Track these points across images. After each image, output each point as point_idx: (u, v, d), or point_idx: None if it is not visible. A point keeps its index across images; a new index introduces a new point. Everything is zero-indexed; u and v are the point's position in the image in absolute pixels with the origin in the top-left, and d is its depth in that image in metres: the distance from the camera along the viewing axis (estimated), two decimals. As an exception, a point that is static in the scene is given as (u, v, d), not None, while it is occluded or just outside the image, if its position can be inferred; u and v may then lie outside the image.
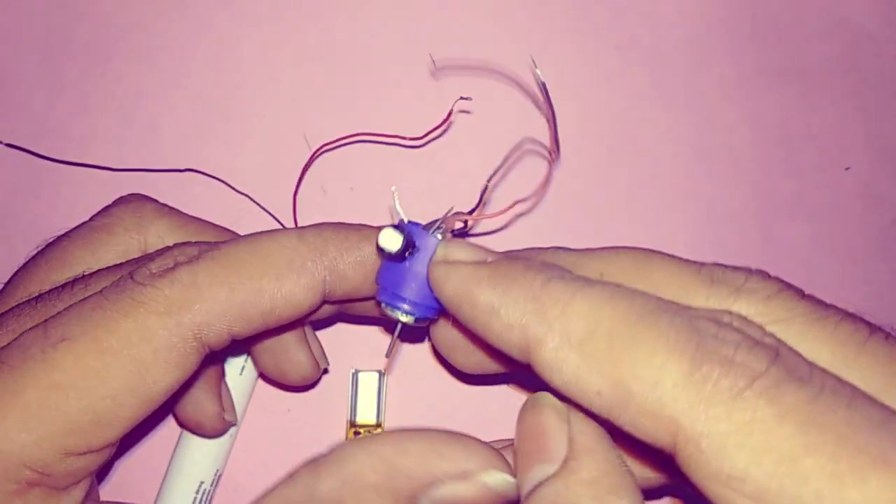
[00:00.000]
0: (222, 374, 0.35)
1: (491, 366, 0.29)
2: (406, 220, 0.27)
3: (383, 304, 0.27)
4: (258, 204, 0.40)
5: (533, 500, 0.22)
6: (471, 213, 0.28)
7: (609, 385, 0.20)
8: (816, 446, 0.18)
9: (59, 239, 0.31)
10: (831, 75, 0.43)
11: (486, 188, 0.29)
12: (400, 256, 0.26)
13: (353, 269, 0.28)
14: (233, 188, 0.40)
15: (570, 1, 0.43)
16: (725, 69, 0.43)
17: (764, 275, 0.25)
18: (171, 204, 0.40)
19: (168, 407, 0.33)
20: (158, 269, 0.26)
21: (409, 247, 0.26)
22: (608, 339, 0.20)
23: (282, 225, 0.40)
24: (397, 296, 0.27)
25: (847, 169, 0.42)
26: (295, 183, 0.40)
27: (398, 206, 0.27)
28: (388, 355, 0.29)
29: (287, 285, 0.27)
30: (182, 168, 0.41)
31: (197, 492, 0.36)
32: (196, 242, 0.28)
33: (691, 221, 0.42)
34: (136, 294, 0.25)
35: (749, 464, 0.18)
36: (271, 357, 0.32)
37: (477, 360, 0.29)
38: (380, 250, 0.26)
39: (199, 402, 0.33)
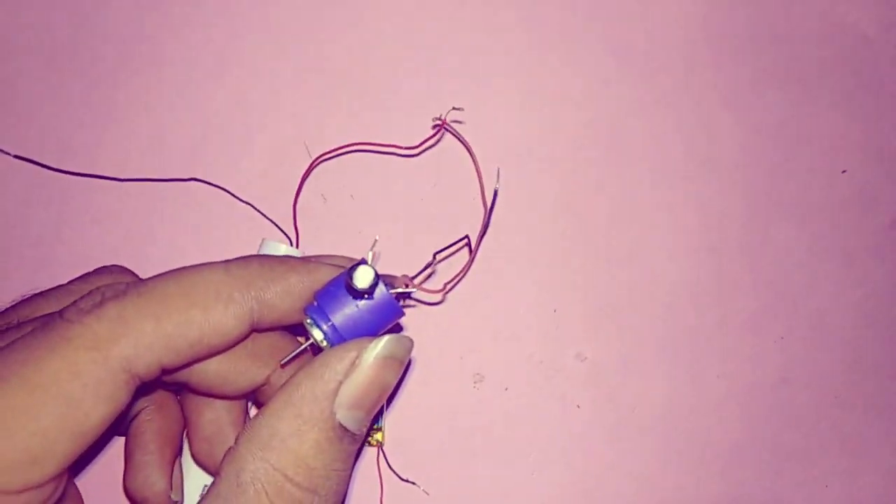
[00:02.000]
0: (179, 452, 0.35)
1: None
2: (374, 269, 0.29)
3: (308, 318, 0.29)
4: (260, 212, 0.41)
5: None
6: (413, 278, 0.31)
7: None
8: None
9: (34, 297, 0.32)
10: (828, 79, 0.43)
11: (432, 261, 0.32)
12: (357, 294, 0.29)
13: (281, 298, 0.29)
14: (236, 197, 0.41)
15: (566, 8, 0.43)
16: (722, 74, 0.43)
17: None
18: (175, 213, 0.41)
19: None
20: (87, 306, 0.26)
21: (367, 291, 0.29)
22: None
23: (283, 232, 0.41)
24: (326, 317, 0.29)
25: (844, 172, 0.43)
26: (296, 191, 0.41)
27: (370, 254, 0.30)
28: (283, 364, 0.31)
29: (215, 315, 0.27)
30: (186, 178, 0.41)
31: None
32: (126, 281, 0.28)
33: (689, 225, 0.42)
34: (64, 331, 0.25)
35: None
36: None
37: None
38: (349, 279, 0.28)
39: (148, 477, 0.33)
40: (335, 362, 0.27)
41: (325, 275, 0.30)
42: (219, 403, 0.34)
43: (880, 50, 0.43)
